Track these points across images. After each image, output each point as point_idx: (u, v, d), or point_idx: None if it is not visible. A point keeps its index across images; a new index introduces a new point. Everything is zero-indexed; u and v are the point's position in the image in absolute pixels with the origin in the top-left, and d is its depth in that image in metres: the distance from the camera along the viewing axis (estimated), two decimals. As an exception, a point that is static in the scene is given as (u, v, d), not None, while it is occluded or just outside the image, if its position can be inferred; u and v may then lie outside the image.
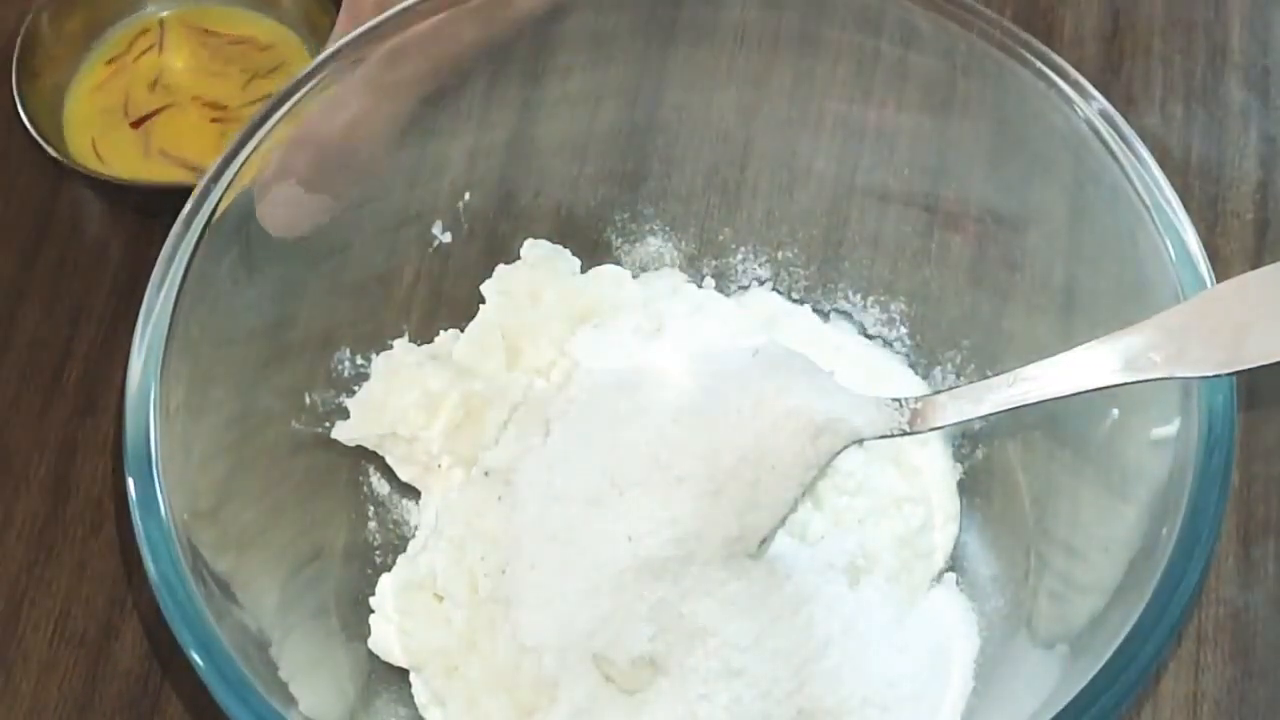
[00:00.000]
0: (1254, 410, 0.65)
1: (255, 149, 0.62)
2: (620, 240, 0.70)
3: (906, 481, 0.64)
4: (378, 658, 0.63)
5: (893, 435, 0.58)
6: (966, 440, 0.66)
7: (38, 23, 0.75)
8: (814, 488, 0.59)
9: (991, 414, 0.58)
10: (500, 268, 0.68)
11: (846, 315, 0.69)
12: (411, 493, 0.66)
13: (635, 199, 0.70)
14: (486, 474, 0.63)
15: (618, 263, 0.69)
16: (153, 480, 0.57)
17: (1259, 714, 0.63)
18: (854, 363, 0.66)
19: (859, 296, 0.69)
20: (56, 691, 0.65)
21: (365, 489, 0.66)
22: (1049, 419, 0.62)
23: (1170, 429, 0.58)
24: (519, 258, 0.68)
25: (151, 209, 0.72)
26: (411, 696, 0.62)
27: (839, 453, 0.57)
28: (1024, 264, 0.65)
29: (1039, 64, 0.62)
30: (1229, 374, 0.56)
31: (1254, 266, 0.69)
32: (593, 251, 0.69)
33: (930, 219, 0.67)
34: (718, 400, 0.59)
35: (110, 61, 0.77)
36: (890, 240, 0.68)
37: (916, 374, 0.68)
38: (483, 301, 0.67)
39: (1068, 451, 0.63)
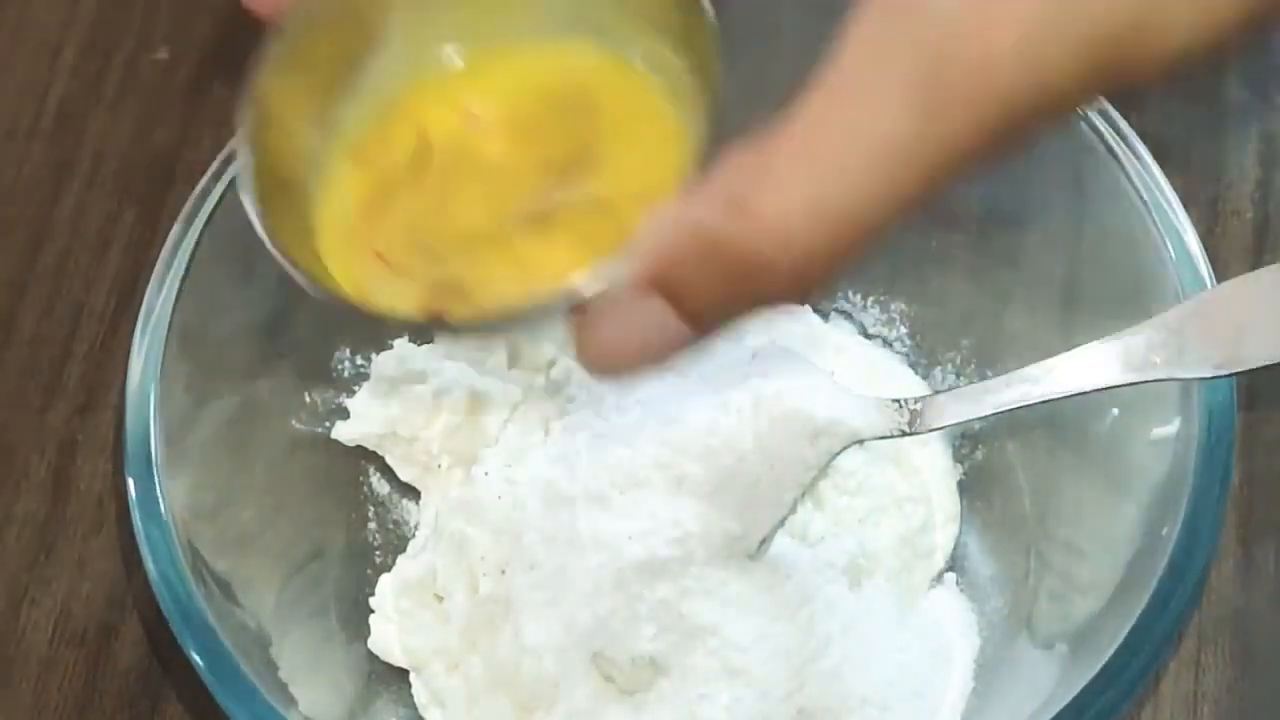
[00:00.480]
0: (1254, 409, 0.65)
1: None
2: (620, 240, 0.70)
3: (907, 481, 0.64)
4: (377, 658, 0.63)
5: (892, 436, 0.58)
6: (966, 440, 0.66)
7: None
8: (814, 488, 0.59)
9: (992, 415, 0.58)
10: (501, 267, 0.68)
11: (846, 315, 0.69)
12: (411, 493, 0.66)
13: (635, 198, 0.70)
14: (486, 474, 0.63)
15: (618, 262, 0.69)
16: (153, 480, 0.57)
17: (1260, 714, 0.63)
18: (854, 363, 0.66)
19: (859, 296, 0.69)
20: (56, 691, 0.64)
21: (365, 489, 0.66)
22: (1049, 419, 0.62)
23: (1170, 428, 0.58)
24: (519, 257, 0.68)
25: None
26: (411, 697, 0.62)
27: (839, 453, 0.57)
28: (1024, 264, 0.65)
29: (1039, 64, 0.62)
30: (1229, 375, 0.56)
31: (1254, 266, 0.69)
32: (593, 251, 0.69)
33: (930, 219, 0.67)
34: (717, 400, 0.58)
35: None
36: (890, 240, 0.68)
37: (916, 374, 0.68)
38: (483, 301, 0.67)
39: (1068, 451, 0.63)
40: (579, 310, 0.42)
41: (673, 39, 0.47)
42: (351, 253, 0.48)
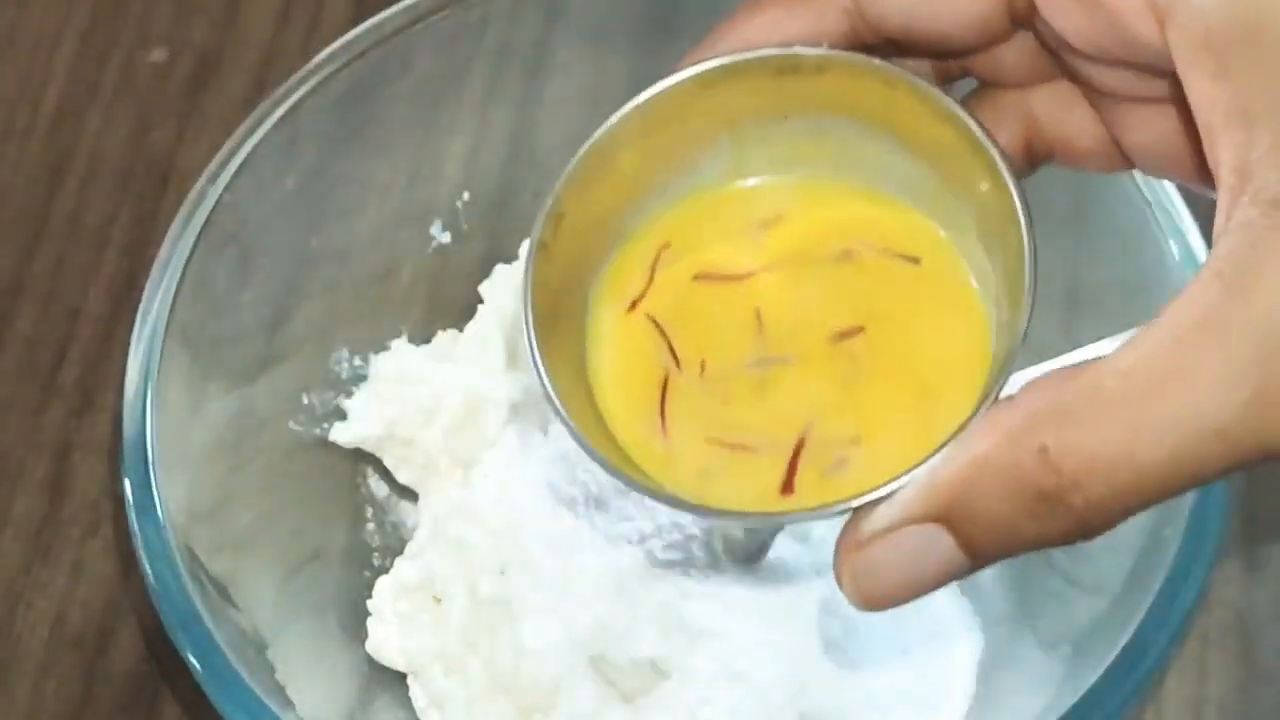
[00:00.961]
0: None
1: (254, 149, 0.61)
2: (620, 240, 0.70)
3: (909, 483, 0.64)
4: (376, 660, 0.62)
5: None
6: (968, 441, 0.66)
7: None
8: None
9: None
10: (500, 268, 0.67)
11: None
12: (410, 494, 0.66)
13: (635, 198, 0.69)
14: (485, 475, 0.63)
15: (618, 262, 0.69)
16: (149, 481, 0.57)
17: (1264, 717, 0.63)
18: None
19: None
20: (53, 695, 0.64)
21: (363, 490, 0.66)
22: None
23: (1174, 429, 0.57)
24: (519, 258, 0.68)
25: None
26: (410, 700, 0.62)
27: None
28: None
29: (1041, 62, 0.62)
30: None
31: (1257, 266, 0.69)
32: (592, 251, 0.69)
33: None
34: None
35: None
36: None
37: (918, 374, 0.68)
38: (482, 301, 0.67)
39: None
40: (850, 533, 0.41)
41: (989, 240, 0.46)
42: (640, 418, 0.46)
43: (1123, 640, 0.54)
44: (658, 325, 0.47)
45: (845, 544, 0.41)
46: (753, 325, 0.46)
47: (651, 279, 0.47)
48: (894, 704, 0.60)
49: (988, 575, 0.63)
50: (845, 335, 0.46)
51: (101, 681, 0.65)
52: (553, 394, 0.44)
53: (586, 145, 0.46)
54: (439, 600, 0.62)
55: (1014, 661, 0.61)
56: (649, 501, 0.43)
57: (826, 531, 0.62)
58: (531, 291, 0.45)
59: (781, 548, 0.60)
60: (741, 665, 0.58)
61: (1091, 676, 0.54)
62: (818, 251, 0.47)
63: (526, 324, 0.44)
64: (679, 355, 0.46)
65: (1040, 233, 0.64)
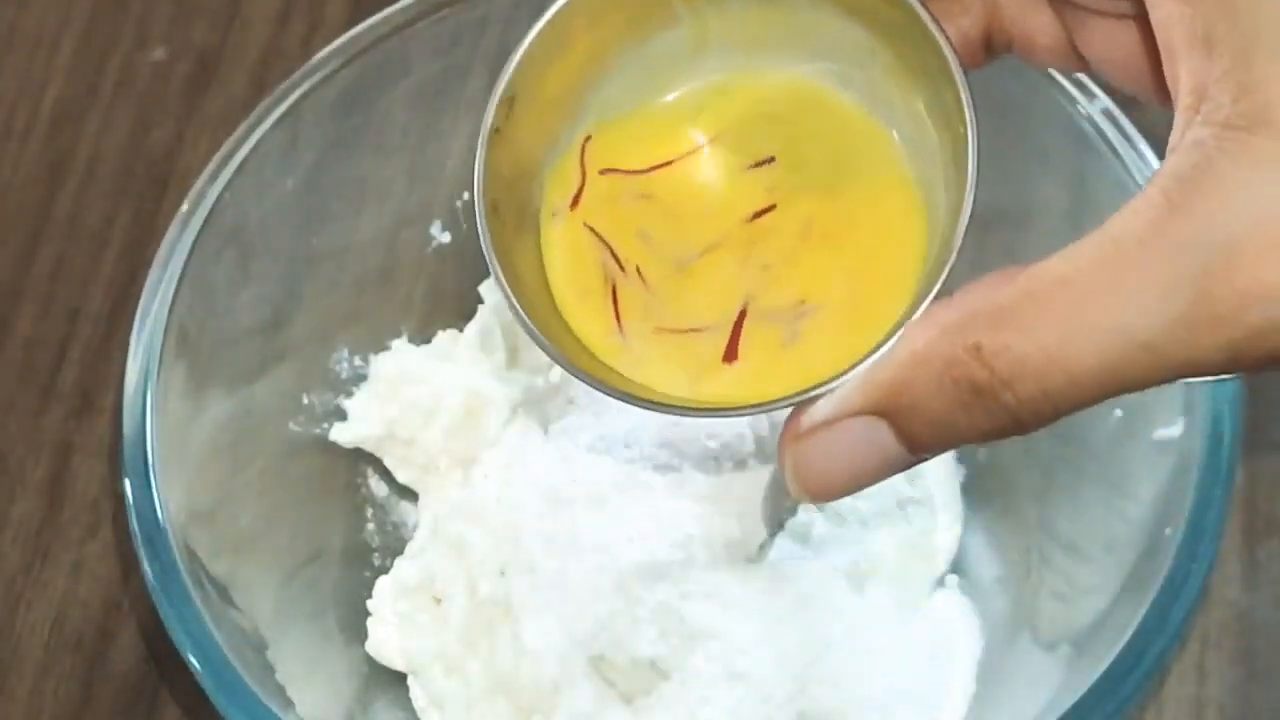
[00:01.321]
0: (1259, 408, 0.64)
1: (254, 149, 0.61)
2: (619, 240, 0.70)
3: (909, 483, 0.64)
4: (376, 661, 0.62)
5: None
6: (969, 441, 0.66)
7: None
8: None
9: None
10: (500, 267, 0.67)
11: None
12: (410, 494, 0.66)
13: (634, 198, 0.69)
14: (486, 476, 0.63)
15: (617, 262, 0.69)
16: (149, 482, 0.57)
17: (1264, 717, 0.62)
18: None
19: (861, 296, 0.68)
20: (52, 696, 0.64)
21: (363, 491, 0.66)
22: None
23: (1174, 429, 0.57)
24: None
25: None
26: (410, 700, 0.62)
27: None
28: (1025, 261, 0.65)
29: (1041, 61, 0.62)
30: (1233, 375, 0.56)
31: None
32: (592, 252, 0.69)
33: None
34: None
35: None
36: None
37: (918, 374, 0.68)
38: (482, 301, 0.67)
39: (1070, 451, 0.63)
40: (792, 424, 0.42)
41: (936, 123, 0.46)
42: (595, 314, 0.46)
43: (1123, 640, 0.54)
44: (595, 231, 0.47)
45: (787, 435, 0.42)
46: (671, 220, 0.47)
47: (584, 173, 0.47)
48: (894, 704, 0.60)
49: (987, 575, 0.63)
50: (759, 214, 0.46)
51: (101, 682, 0.65)
52: (510, 293, 0.44)
53: (538, 25, 0.45)
54: (439, 600, 0.62)
55: (1014, 661, 0.60)
56: (599, 395, 0.44)
57: (827, 531, 0.62)
58: (484, 182, 0.44)
59: (781, 548, 0.60)
60: (741, 665, 0.58)
61: (1091, 676, 0.53)
62: (733, 138, 0.47)
63: (479, 217, 0.44)
64: (620, 256, 0.46)
65: (1040, 231, 0.65)
